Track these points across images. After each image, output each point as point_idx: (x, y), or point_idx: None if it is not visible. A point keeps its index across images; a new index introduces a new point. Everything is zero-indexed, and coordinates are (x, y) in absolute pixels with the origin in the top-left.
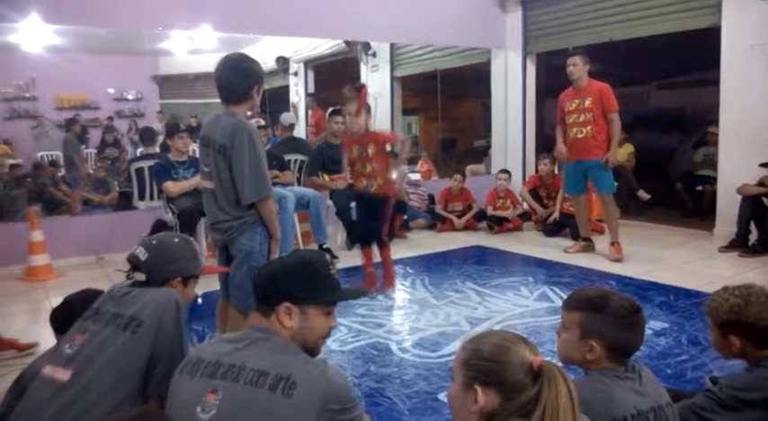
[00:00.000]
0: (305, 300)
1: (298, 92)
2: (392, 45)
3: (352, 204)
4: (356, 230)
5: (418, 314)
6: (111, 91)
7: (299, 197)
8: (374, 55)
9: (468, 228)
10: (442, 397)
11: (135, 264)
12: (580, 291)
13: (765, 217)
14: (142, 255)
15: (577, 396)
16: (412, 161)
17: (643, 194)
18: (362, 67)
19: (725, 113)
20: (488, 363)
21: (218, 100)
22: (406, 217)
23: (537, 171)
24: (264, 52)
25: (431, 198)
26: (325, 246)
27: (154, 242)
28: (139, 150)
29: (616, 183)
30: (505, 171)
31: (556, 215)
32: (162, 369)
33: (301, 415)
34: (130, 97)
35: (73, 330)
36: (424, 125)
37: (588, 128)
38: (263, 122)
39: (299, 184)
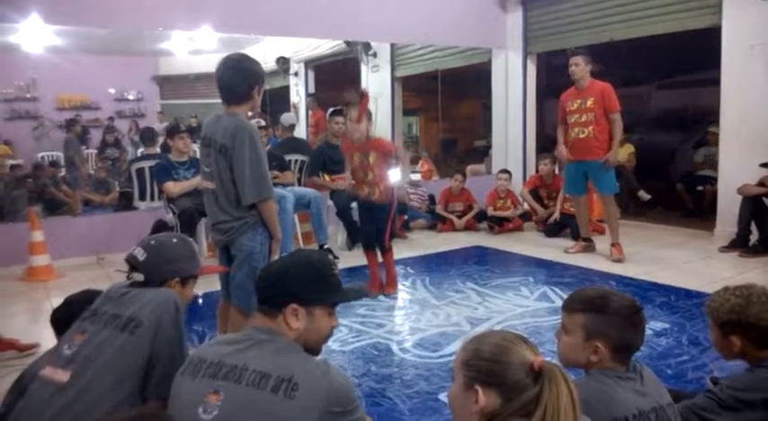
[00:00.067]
0: (312, 302)
1: (298, 92)
2: (393, 45)
3: (353, 204)
4: (358, 233)
5: (419, 314)
6: (112, 91)
7: (300, 197)
8: (375, 55)
9: (468, 228)
10: (443, 397)
11: (133, 264)
12: (579, 293)
13: (766, 217)
14: (140, 255)
15: (578, 396)
16: (412, 161)
17: (643, 194)
18: (363, 68)
19: (725, 113)
20: (489, 364)
21: (219, 100)
22: (406, 217)
23: (537, 171)
24: (265, 52)
25: (431, 198)
26: (326, 247)
27: (152, 242)
28: (140, 151)
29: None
30: (506, 171)
31: (556, 215)
32: (161, 369)
33: (303, 416)
34: (131, 97)
35: (71, 331)
36: (425, 125)
37: (590, 128)
38: (263, 123)
39: (299, 185)
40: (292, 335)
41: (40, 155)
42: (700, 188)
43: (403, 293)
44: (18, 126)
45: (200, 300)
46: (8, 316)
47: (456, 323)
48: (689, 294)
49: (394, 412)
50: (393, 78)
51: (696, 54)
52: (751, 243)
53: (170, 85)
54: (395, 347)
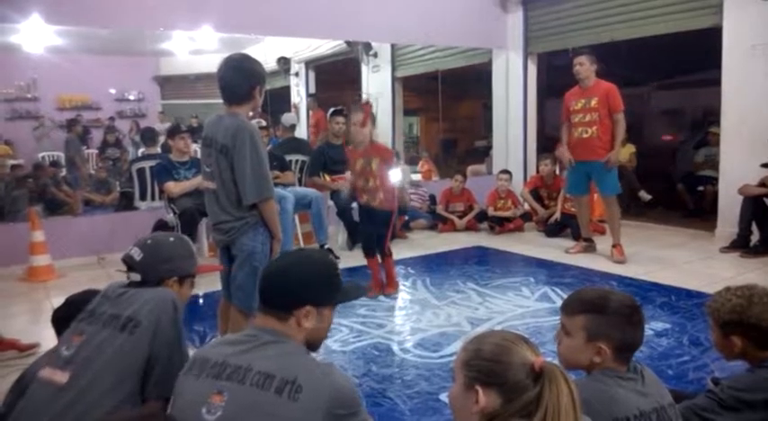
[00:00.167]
0: (323, 302)
1: (299, 92)
2: (393, 45)
3: (354, 204)
4: (358, 233)
5: (419, 314)
6: (113, 91)
7: (301, 197)
8: (375, 55)
9: (469, 228)
10: (444, 397)
11: (130, 264)
12: (578, 294)
13: (767, 217)
14: (137, 255)
15: (579, 396)
16: (413, 161)
17: (644, 195)
18: (363, 68)
19: (726, 114)
20: (489, 364)
21: (220, 100)
22: (407, 217)
23: (538, 171)
24: (266, 53)
25: (432, 198)
26: (326, 247)
27: (149, 242)
28: (141, 151)
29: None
30: (506, 171)
31: (557, 215)
32: (160, 369)
33: (307, 418)
34: (132, 98)
35: (69, 332)
36: (425, 125)
37: (594, 128)
38: (264, 123)
39: (300, 185)
40: (300, 337)
41: (40, 155)
42: (700, 188)
43: (404, 293)
44: (19, 126)
45: (201, 301)
46: (9, 316)
47: (457, 323)
48: (690, 294)
49: (395, 412)
50: (393, 78)
51: (697, 54)
52: (752, 243)
53: (171, 85)
54: (395, 347)
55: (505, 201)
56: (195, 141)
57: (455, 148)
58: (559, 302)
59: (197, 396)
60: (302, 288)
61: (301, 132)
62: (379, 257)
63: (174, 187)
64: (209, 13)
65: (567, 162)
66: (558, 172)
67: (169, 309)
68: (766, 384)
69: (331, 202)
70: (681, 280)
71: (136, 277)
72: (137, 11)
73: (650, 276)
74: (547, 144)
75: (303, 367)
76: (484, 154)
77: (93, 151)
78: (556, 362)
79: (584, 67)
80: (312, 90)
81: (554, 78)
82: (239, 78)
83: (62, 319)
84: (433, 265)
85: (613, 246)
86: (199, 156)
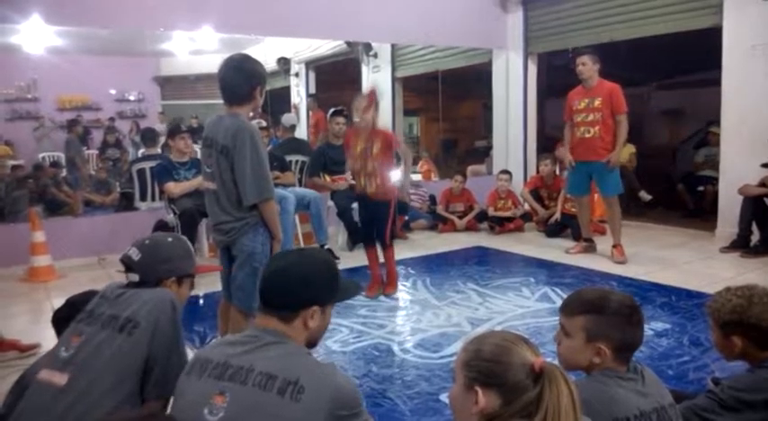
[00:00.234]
0: (327, 301)
1: (299, 93)
2: (393, 46)
3: (354, 205)
4: (359, 233)
5: (419, 315)
6: (113, 92)
7: (300, 198)
8: (375, 56)
9: (469, 228)
10: (444, 398)
11: (128, 264)
12: (577, 295)
13: (767, 217)
14: (135, 255)
15: (579, 397)
16: (413, 161)
17: (644, 195)
18: (364, 68)
19: (726, 114)
20: (489, 364)
21: (220, 101)
22: (407, 217)
23: (538, 171)
24: (266, 53)
25: (432, 198)
26: (326, 247)
27: (147, 242)
28: (141, 151)
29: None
30: (506, 171)
31: (557, 216)
32: (159, 370)
33: (309, 419)
34: (132, 98)
35: (68, 333)
36: (426, 125)
37: (596, 128)
38: (264, 123)
39: (300, 185)
40: (303, 338)
41: (41, 155)
42: (701, 188)
43: (404, 294)
44: (19, 127)
45: (201, 301)
46: (9, 316)
47: (457, 323)
48: (690, 295)
49: (395, 413)
50: (394, 79)
51: (697, 54)
52: (752, 243)
53: (171, 85)
54: (396, 348)
55: (505, 202)
56: (196, 142)
57: (455, 149)
58: (559, 303)
59: (199, 396)
60: (308, 288)
61: (301, 133)
62: (380, 254)
63: (174, 188)
64: (209, 13)
65: (567, 163)
66: (558, 172)
67: (168, 310)
68: (766, 384)
69: (331, 203)
70: (681, 280)
71: (134, 277)
72: (137, 11)
73: (650, 276)
74: (547, 144)
75: (305, 368)
76: (484, 154)
77: (94, 152)
78: (556, 362)
79: (587, 66)
80: (312, 90)
81: (554, 78)
82: (240, 79)
83: (63, 320)
84: (434, 266)
85: (614, 246)
86: (199, 156)
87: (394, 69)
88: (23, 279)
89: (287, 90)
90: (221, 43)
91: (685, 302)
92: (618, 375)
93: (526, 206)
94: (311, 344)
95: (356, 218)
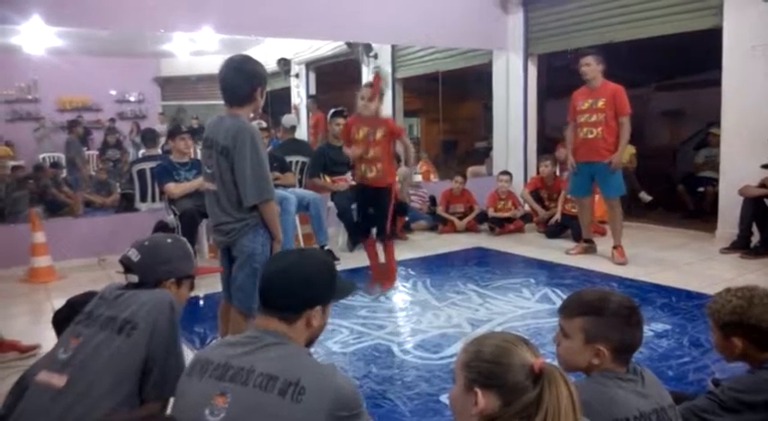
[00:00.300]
0: (328, 301)
1: (299, 93)
2: (393, 47)
3: (353, 206)
4: (356, 224)
5: (420, 315)
6: (113, 93)
7: (300, 199)
8: (375, 57)
9: (469, 229)
10: (444, 398)
11: (127, 265)
12: (576, 296)
13: (767, 218)
14: (134, 256)
15: (578, 398)
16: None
17: (644, 196)
18: (364, 69)
19: (726, 114)
20: (489, 365)
21: (221, 101)
22: (407, 218)
23: (538, 172)
24: (266, 54)
25: (432, 199)
26: (326, 248)
27: (146, 243)
28: (141, 152)
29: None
30: (506, 172)
31: (557, 216)
32: (158, 371)
33: (309, 420)
34: (132, 99)
35: (66, 335)
36: (426, 126)
37: (599, 129)
38: (264, 124)
39: (300, 186)
40: (303, 338)
41: (41, 156)
42: (701, 189)
43: (404, 295)
44: (19, 127)
45: (202, 302)
46: (9, 317)
47: (457, 324)
48: (690, 295)
49: (395, 414)
50: (394, 80)
51: (697, 55)
52: (752, 244)
53: (171, 86)
54: (396, 349)
55: (506, 203)
56: (196, 142)
57: (455, 150)
58: (560, 304)
59: (200, 397)
60: (311, 288)
61: (302, 133)
62: (380, 250)
63: (174, 188)
64: (209, 14)
65: (569, 165)
66: (558, 173)
67: (166, 311)
68: (767, 385)
69: (331, 204)
70: (681, 281)
71: (134, 279)
72: (137, 12)
73: (651, 277)
74: (547, 145)
75: (306, 369)
76: (484, 155)
77: (94, 152)
78: (556, 363)
79: (591, 67)
80: (312, 91)
81: (554, 79)
82: (240, 80)
83: (63, 321)
84: (434, 266)
85: (614, 247)
86: (199, 157)
87: (394, 70)
88: (23, 280)
89: (287, 91)
90: (221, 44)
91: (685, 303)
92: (617, 376)
93: (526, 207)
94: (309, 343)
95: (356, 218)
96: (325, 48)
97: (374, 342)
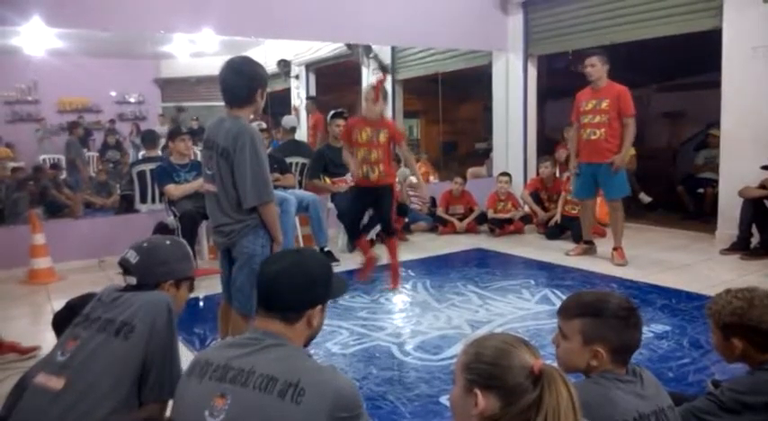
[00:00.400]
0: (327, 300)
1: (299, 95)
2: (393, 48)
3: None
4: (356, 225)
5: (420, 317)
6: (113, 94)
7: (299, 200)
8: (375, 58)
9: (469, 230)
10: (444, 400)
11: (126, 267)
12: (574, 297)
13: (767, 219)
14: (133, 258)
15: (578, 399)
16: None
17: (644, 197)
18: (364, 70)
19: (726, 116)
20: (489, 367)
21: (221, 103)
22: (407, 219)
23: (538, 173)
24: (266, 55)
25: (432, 201)
26: (326, 249)
27: (145, 245)
28: (141, 153)
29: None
30: (506, 174)
31: (557, 218)
32: (156, 373)
33: None
34: (132, 100)
35: (64, 337)
36: (426, 128)
37: (602, 130)
38: (264, 125)
39: (300, 187)
40: (303, 338)
41: (41, 157)
42: (701, 190)
43: (404, 296)
44: (19, 129)
45: (202, 303)
46: (9, 318)
47: (457, 326)
48: (690, 297)
49: (395, 415)
50: (394, 81)
51: (696, 57)
52: (752, 245)
53: (171, 87)
54: (396, 350)
55: (505, 204)
56: (196, 144)
57: (455, 151)
58: (559, 305)
59: (200, 399)
60: (313, 288)
61: (302, 135)
62: (369, 241)
63: (174, 190)
64: (209, 15)
65: (571, 168)
66: (557, 174)
67: (164, 313)
68: (767, 386)
69: (331, 205)
70: (681, 282)
71: (132, 280)
72: (137, 13)
73: (650, 278)
74: (547, 146)
75: (306, 370)
76: (484, 156)
77: (94, 154)
78: (556, 364)
79: (596, 67)
80: (313, 93)
81: (554, 81)
82: (241, 81)
83: (63, 322)
84: (434, 268)
85: (614, 248)
86: (199, 158)
87: (394, 71)
88: (23, 281)
89: (287, 92)
90: (222, 45)
91: (685, 304)
92: (617, 377)
93: (526, 208)
94: (307, 343)
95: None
96: (325, 49)
97: (374, 343)
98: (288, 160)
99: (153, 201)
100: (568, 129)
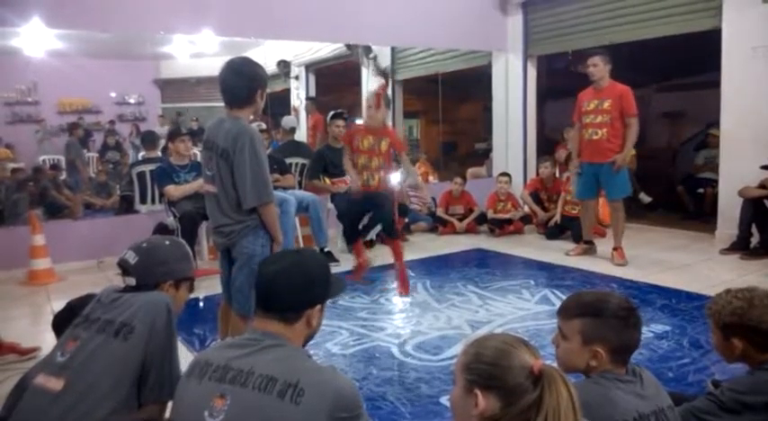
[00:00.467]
0: (326, 299)
1: (299, 95)
2: (393, 48)
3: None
4: (355, 227)
5: (420, 317)
6: (113, 95)
7: (299, 201)
8: (375, 58)
9: (469, 231)
10: (444, 400)
11: (125, 267)
12: (574, 298)
13: (767, 219)
14: (132, 258)
15: (578, 399)
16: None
17: (644, 197)
18: (364, 71)
19: (726, 115)
20: (489, 367)
21: (221, 103)
22: (407, 220)
23: (538, 174)
24: (266, 56)
25: (433, 201)
26: (326, 250)
27: (144, 245)
28: (141, 154)
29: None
30: (506, 174)
31: (557, 218)
32: (155, 373)
33: None
34: (132, 101)
35: (64, 338)
36: (426, 128)
37: (604, 130)
38: (264, 126)
39: (300, 188)
40: (302, 338)
41: (41, 158)
42: (700, 190)
43: (404, 296)
44: (19, 129)
45: (202, 304)
46: (9, 319)
47: (457, 326)
48: (690, 297)
49: (395, 415)
50: (394, 81)
51: (696, 57)
52: (752, 245)
53: (171, 88)
54: (396, 350)
55: (505, 204)
56: (196, 144)
57: (455, 151)
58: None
59: (199, 399)
60: (313, 288)
61: (301, 135)
62: (364, 243)
63: (174, 190)
64: (209, 16)
65: (573, 168)
66: (557, 174)
67: (163, 313)
68: (766, 386)
69: (331, 205)
70: (681, 282)
71: (131, 281)
72: (137, 14)
73: (650, 278)
74: (547, 146)
75: (305, 370)
76: (484, 156)
77: (94, 155)
78: (556, 365)
79: (599, 67)
80: (312, 93)
81: (554, 81)
82: (241, 82)
83: (63, 323)
84: (434, 268)
85: (614, 248)
86: (199, 159)
87: (394, 72)
88: (23, 282)
89: (287, 93)
90: (221, 46)
91: (685, 304)
92: (616, 377)
93: (526, 208)
94: (305, 343)
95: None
96: (325, 49)
97: (374, 343)
98: (287, 161)
99: (153, 201)
100: (568, 129)
